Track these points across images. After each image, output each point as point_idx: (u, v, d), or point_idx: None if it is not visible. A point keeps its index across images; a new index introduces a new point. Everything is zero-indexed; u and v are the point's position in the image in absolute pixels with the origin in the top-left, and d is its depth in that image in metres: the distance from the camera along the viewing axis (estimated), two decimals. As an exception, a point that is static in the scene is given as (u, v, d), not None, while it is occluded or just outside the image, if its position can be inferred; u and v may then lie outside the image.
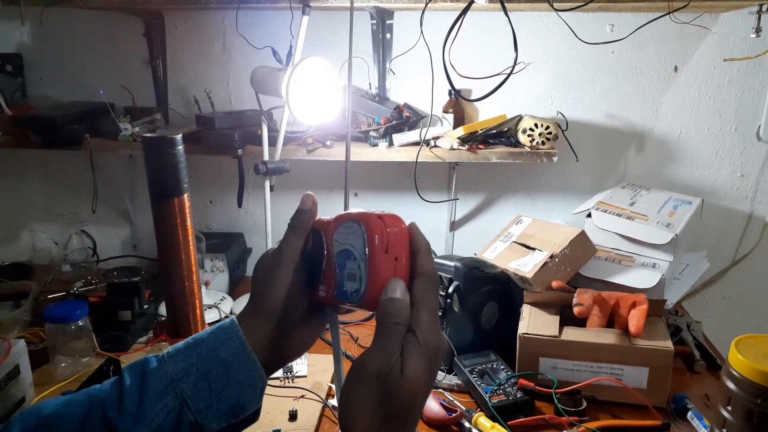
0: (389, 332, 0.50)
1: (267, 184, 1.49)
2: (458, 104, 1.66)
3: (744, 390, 0.88)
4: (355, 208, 0.59)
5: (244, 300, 1.58)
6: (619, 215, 1.45)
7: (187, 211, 1.09)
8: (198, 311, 1.15)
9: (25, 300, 1.47)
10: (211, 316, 1.47)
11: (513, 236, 1.47)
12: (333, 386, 1.18)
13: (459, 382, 1.21)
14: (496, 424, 1.04)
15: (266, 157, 1.48)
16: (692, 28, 1.57)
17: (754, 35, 1.47)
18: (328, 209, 0.59)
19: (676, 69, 1.64)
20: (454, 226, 1.82)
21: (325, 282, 0.58)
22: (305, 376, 1.22)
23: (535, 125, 1.52)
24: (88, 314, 1.26)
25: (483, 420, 1.06)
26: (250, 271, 1.83)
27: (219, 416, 0.55)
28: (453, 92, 1.64)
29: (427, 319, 0.51)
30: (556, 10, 1.25)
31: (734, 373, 0.90)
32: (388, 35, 1.61)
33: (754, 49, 1.57)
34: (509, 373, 1.18)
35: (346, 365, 0.88)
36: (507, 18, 1.18)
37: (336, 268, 0.57)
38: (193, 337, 0.59)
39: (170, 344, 1.16)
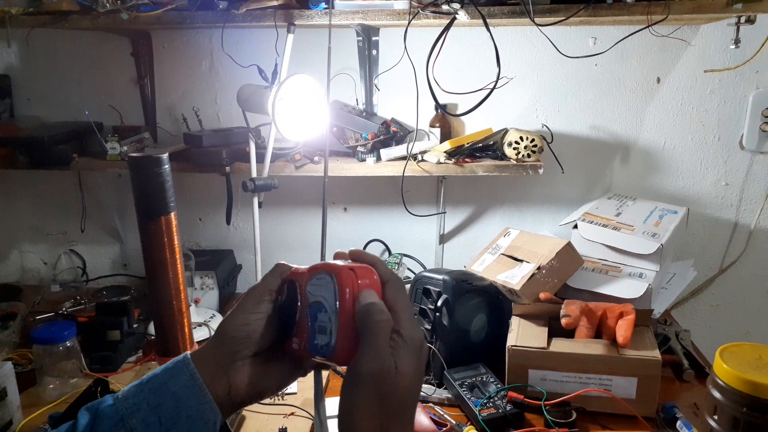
0: (376, 332, 0.51)
1: (255, 200, 1.49)
2: (444, 119, 1.68)
3: (729, 399, 0.89)
4: (331, 260, 0.59)
5: (234, 317, 1.57)
6: (605, 226, 1.47)
7: (174, 229, 1.09)
8: (186, 330, 1.14)
9: (13, 321, 1.46)
10: (200, 334, 1.46)
11: (501, 248, 1.48)
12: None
13: (449, 395, 1.21)
14: (486, 438, 1.05)
15: (254, 174, 1.48)
16: (673, 40, 1.60)
17: (734, 46, 1.49)
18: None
19: (658, 80, 1.66)
20: (443, 239, 1.82)
21: (298, 334, 0.58)
22: (295, 393, 1.22)
23: (521, 138, 1.54)
24: (77, 334, 1.25)
25: (473, 433, 1.07)
26: (239, 288, 1.83)
27: None
28: (438, 107, 1.65)
29: (406, 318, 0.54)
30: (538, 25, 1.27)
31: (719, 382, 0.90)
32: (374, 52, 1.63)
33: (734, 59, 1.60)
34: (499, 385, 1.18)
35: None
36: (489, 34, 1.20)
37: (308, 320, 0.57)
38: (147, 374, 0.59)
39: (159, 363, 1.16)
